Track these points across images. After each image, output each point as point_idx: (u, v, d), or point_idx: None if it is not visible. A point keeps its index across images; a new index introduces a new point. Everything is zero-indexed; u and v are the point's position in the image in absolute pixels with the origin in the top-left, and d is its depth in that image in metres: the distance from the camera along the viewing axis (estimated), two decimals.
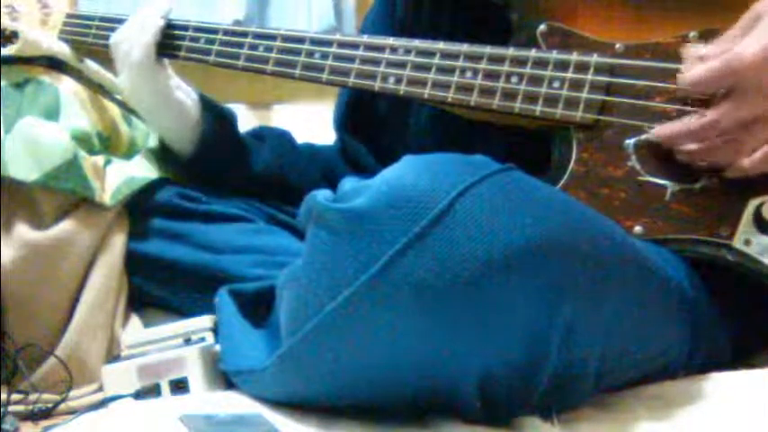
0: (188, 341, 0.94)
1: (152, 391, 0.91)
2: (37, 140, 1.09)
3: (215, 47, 1.13)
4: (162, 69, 1.14)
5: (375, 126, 1.26)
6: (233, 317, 0.92)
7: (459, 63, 0.99)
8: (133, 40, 1.13)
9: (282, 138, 1.26)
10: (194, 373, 0.90)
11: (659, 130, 0.90)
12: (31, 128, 1.11)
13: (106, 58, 1.19)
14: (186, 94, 1.16)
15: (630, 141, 0.93)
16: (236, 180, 1.18)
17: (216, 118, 1.17)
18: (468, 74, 0.99)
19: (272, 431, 0.75)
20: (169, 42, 1.15)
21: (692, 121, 0.87)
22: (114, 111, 1.26)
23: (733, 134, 0.86)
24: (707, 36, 0.92)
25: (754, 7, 0.87)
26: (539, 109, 0.96)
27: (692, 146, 0.88)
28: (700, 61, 0.87)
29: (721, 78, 0.85)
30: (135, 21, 1.15)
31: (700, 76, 0.87)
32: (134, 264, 1.12)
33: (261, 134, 1.25)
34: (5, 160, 1.07)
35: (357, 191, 0.74)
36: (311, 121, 1.36)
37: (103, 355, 1.08)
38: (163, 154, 1.19)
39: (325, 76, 1.07)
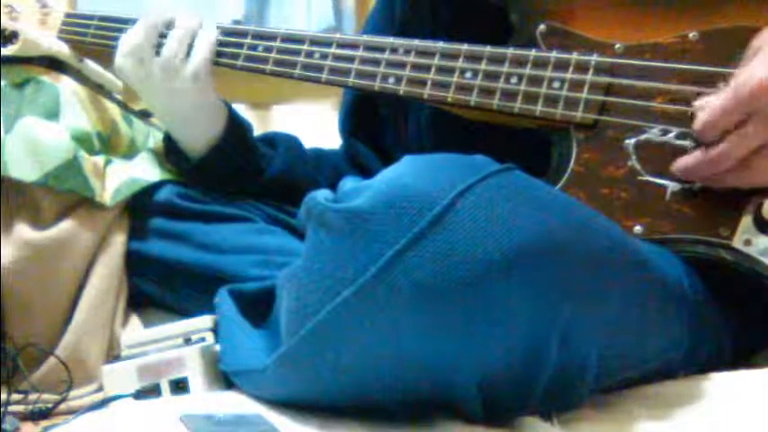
0: (188, 341, 0.94)
1: (152, 391, 0.91)
2: (37, 140, 1.09)
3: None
4: (211, 85, 1.12)
5: (379, 128, 1.26)
6: (233, 317, 0.92)
7: (459, 63, 0.99)
8: (190, 63, 1.10)
9: (293, 144, 1.26)
10: (194, 373, 0.90)
11: (677, 165, 0.89)
12: (31, 128, 1.11)
13: (106, 58, 1.18)
14: (218, 105, 1.15)
15: (630, 141, 0.93)
16: (248, 187, 1.18)
17: (237, 126, 1.16)
18: (468, 74, 0.99)
19: (271, 431, 0.75)
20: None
21: (708, 153, 0.87)
22: (114, 111, 1.26)
23: (747, 158, 0.85)
24: (707, 36, 0.92)
25: (752, 44, 0.87)
26: (539, 109, 0.96)
27: (707, 174, 0.88)
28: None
29: (734, 112, 0.84)
30: (150, 28, 1.12)
31: (707, 119, 0.86)
32: (134, 264, 1.12)
33: (272, 140, 1.24)
34: (5, 160, 1.07)
35: (357, 191, 0.74)
36: (311, 122, 1.36)
37: (103, 355, 1.08)
38: (168, 157, 1.18)
39: (324, 76, 1.07)
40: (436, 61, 1.00)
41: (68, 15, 1.23)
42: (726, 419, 0.79)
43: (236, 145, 1.16)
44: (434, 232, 0.69)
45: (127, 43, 1.13)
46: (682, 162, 0.89)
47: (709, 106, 0.86)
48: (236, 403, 0.83)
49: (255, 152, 1.19)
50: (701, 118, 0.86)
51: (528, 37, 0.99)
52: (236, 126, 1.16)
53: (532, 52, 0.97)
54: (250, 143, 1.19)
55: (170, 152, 1.17)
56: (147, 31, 1.12)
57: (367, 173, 1.25)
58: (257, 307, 0.92)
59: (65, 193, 1.09)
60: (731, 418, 0.79)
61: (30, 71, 1.19)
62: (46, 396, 1.01)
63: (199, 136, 1.15)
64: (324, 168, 1.26)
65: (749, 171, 0.86)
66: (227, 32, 1.13)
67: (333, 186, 1.20)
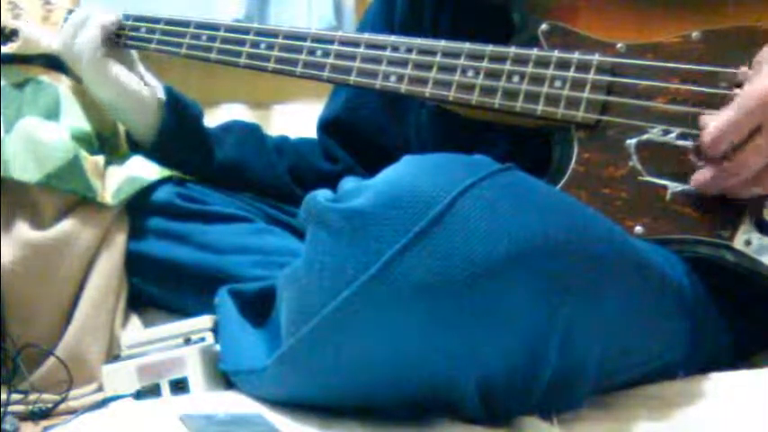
0: (188, 341, 0.94)
1: (152, 391, 0.91)
2: (38, 141, 1.09)
3: (217, 44, 1.13)
4: (113, 68, 1.15)
5: (359, 134, 1.26)
6: (233, 317, 0.92)
7: (461, 62, 0.99)
8: (80, 44, 1.15)
9: (249, 131, 1.27)
10: (194, 373, 0.90)
11: (695, 181, 0.89)
12: (31, 128, 1.11)
13: None
14: (150, 89, 1.18)
15: (632, 141, 0.93)
16: (197, 169, 1.19)
17: (178, 113, 1.18)
18: (470, 73, 0.99)
19: (271, 431, 0.75)
20: (171, 40, 1.15)
21: (723, 167, 0.86)
22: None
23: (761, 170, 0.85)
24: (709, 36, 0.92)
25: (756, 58, 0.87)
26: (540, 108, 0.96)
27: (724, 188, 0.88)
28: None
29: (740, 125, 0.84)
30: (78, 21, 1.17)
31: (717, 134, 0.85)
32: (134, 264, 1.12)
33: (229, 127, 1.26)
34: (6, 160, 1.07)
35: (357, 191, 0.74)
36: (311, 121, 1.36)
37: (103, 355, 1.07)
38: (129, 144, 1.21)
39: (326, 74, 1.07)
40: (438, 60, 1.00)
41: (71, 12, 1.23)
42: (726, 419, 0.79)
43: (177, 130, 1.18)
44: (434, 232, 0.69)
45: (65, 31, 1.17)
46: (698, 177, 0.89)
47: (716, 120, 0.86)
48: (236, 403, 0.83)
49: (203, 138, 1.21)
50: (710, 132, 0.86)
51: (530, 36, 0.99)
52: (177, 112, 1.18)
53: (534, 51, 0.97)
54: (195, 129, 1.20)
55: (129, 142, 1.21)
56: (76, 24, 1.17)
57: (337, 162, 1.26)
58: (257, 307, 0.92)
59: (65, 193, 1.09)
60: (731, 418, 0.79)
61: (29, 71, 1.19)
62: (46, 396, 1.01)
63: (136, 120, 1.18)
64: (284, 157, 1.27)
65: (761, 182, 0.85)
66: (229, 29, 1.13)
67: (290, 175, 1.23)
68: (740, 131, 0.84)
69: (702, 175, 0.88)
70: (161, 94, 1.19)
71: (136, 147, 1.20)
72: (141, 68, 1.20)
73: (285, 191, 1.22)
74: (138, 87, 1.17)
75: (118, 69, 1.16)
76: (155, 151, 1.18)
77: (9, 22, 1.20)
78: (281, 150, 1.27)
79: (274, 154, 1.26)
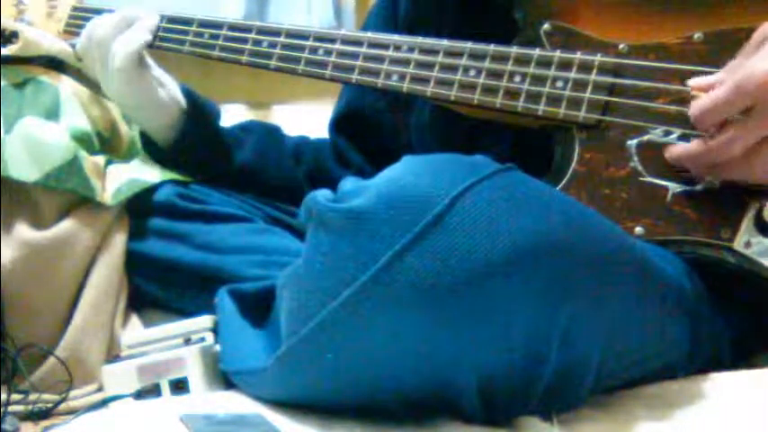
0: (188, 341, 0.94)
1: (152, 391, 0.91)
2: (37, 140, 1.09)
3: (219, 42, 1.13)
4: (144, 73, 1.14)
5: (368, 133, 1.26)
6: (233, 317, 0.92)
7: (463, 61, 0.99)
8: (119, 47, 1.12)
9: (268, 133, 1.28)
10: (194, 373, 0.90)
11: (676, 152, 0.89)
12: (31, 128, 1.11)
13: None
14: (168, 90, 1.17)
15: (633, 142, 0.93)
16: (216, 172, 1.19)
17: (198, 114, 1.18)
18: (472, 72, 0.99)
19: (271, 431, 0.75)
20: (173, 36, 1.15)
21: (710, 142, 0.86)
22: (114, 111, 1.26)
23: (747, 151, 0.85)
24: (711, 37, 0.92)
25: (760, 31, 0.86)
26: (541, 108, 0.96)
27: (707, 164, 0.88)
28: (708, 90, 0.86)
29: (732, 103, 0.84)
30: (119, 21, 1.15)
31: (707, 106, 0.85)
32: (134, 264, 1.12)
33: (249, 128, 1.26)
34: (5, 160, 1.07)
35: (357, 191, 0.74)
36: (311, 121, 1.36)
37: (103, 355, 1.08)
38: (144, 145, 1.20)
39: (328, 72, 1.07)
40: (440, 59, 1.00)
41: (75, 9, 1.23)
42: (726, 419, 0.79)
43: (199, 132, 1.17)
44: (434, 232, 0.69)
45: (94, 32, 1.15)
46: (681, 149, 0.89)
47: (709, 95, 0.86)
48: (236, 403, 0.83)
49: (223, 139, 1.20)
50: (701, 104, 0.86)
51: (532, 36, 0.99)
52: (197, 113, 1.18)
53: (536, 51, 0.97)
54: (215, 130, 1.20)
55: (144, 143, 1.20)
56: (118, 23, 1.14)
57: (348, 165, 1.26)
58: (257, 307, 0.92)
59: (65, 193, 1.09)
60: (731, 418, 0.79)
61: (30, 71, 1.19)
62: (46, 396, 1.01)
63: (156, 123, 1.17)
64: (302, 159, 1.27)
65: (749, 164, 0.85)
66: (232, 27, 1.13)
67: (308, 178, 1.23)
68: (731, 109, 0.84)
69: (685, 148, 0.88)
70: (177, 94, 1.18)
71: (151, 148, 1.19)
72: (157, 69, 1.18)
73: (301, 195, 1.22)
74: (160, 93, 1.16)
75: (149, 77, 1.14)
76: (174, 153, 1.17)
77: (9, 25, 1.20)
78: (300, 155, 1.27)
79: (293, 159, 1.26)
